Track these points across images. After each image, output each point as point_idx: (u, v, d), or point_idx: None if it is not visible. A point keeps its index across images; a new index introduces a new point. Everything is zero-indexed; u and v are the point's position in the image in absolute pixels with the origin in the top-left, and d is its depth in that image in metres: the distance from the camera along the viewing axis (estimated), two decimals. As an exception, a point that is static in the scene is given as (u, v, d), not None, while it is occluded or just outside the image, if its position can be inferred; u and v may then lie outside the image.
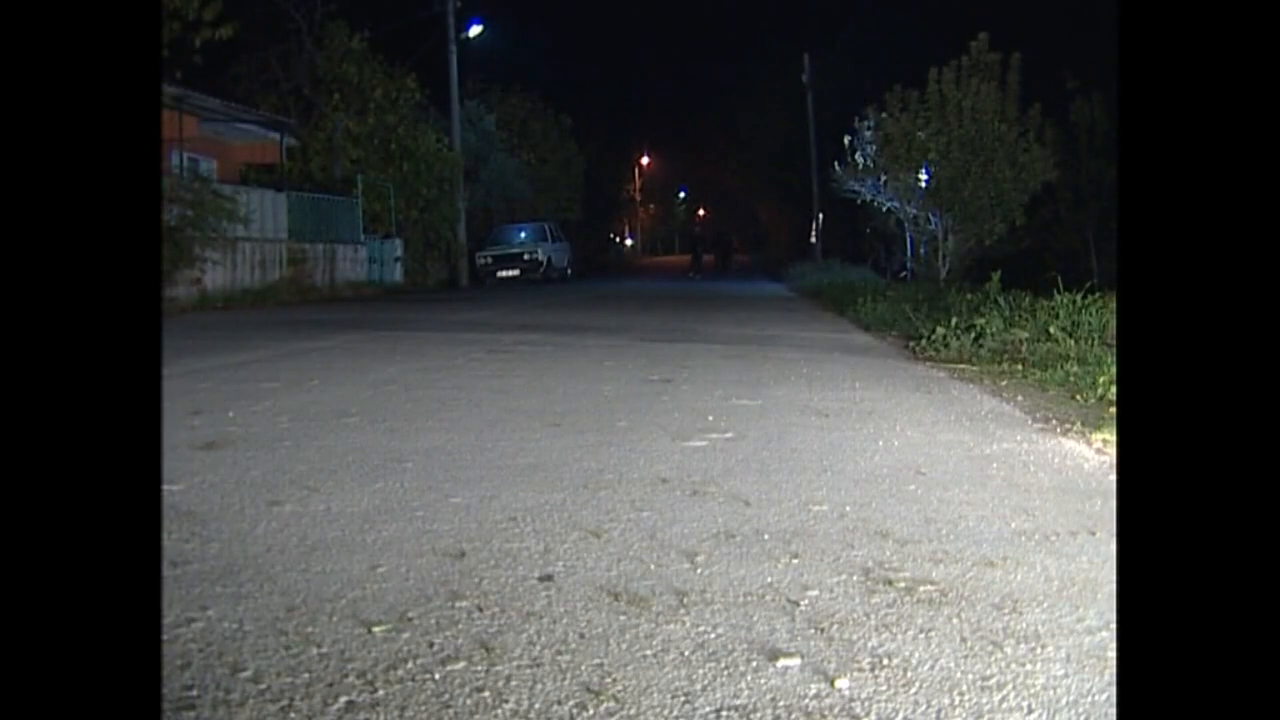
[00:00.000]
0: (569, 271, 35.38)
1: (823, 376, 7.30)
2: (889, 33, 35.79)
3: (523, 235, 33.68)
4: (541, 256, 32.25)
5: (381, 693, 1.99)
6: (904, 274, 24.70)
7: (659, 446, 4.62)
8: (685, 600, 2.53)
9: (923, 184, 20.38)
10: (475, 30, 32.80)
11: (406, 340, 10.26)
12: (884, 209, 22.20)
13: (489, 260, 31.69)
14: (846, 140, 22.77)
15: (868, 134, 21.80)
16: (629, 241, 69.35)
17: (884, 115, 20.58)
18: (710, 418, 5.38)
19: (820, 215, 39.77)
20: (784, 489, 3.79)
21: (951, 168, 19.26)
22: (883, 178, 20.98)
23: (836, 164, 23.21)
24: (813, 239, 40.63)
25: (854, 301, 14.23)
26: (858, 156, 22.11)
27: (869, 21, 39.71)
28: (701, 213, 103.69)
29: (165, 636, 2.27)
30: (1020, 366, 7.66)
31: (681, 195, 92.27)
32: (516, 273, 31.54)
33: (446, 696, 1.98)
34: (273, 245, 21.60)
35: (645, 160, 78.90)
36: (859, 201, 22.94)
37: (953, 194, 19.44)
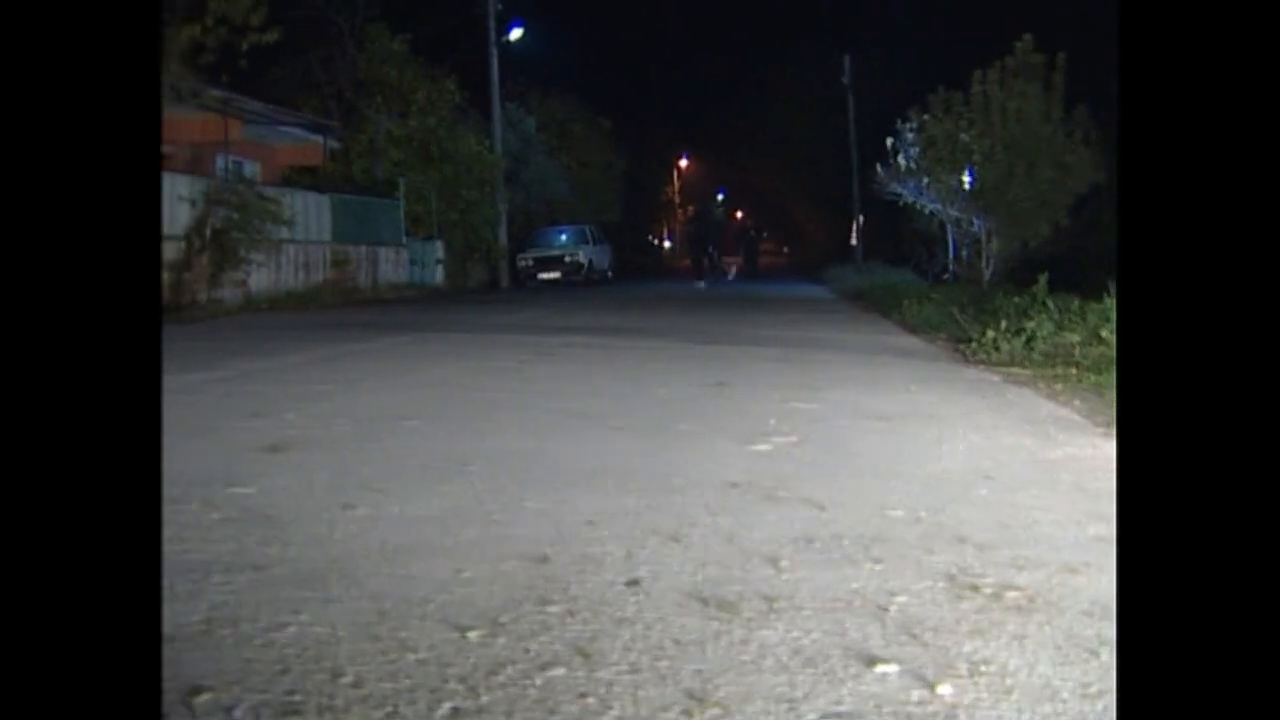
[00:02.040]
0: (609, 274, 35.33)
1: (877, 380, 7.28)
2: (931, 33, 35.62)
3: (563, 238, 33.62)
4: (583, 259, 32.18)
5: (485, 699, 1.99)
6: (946, 276, 24.54)
7: (723, 450, 4.61)
8: (774, 605, 2.52)
9: (966, 186, 20.24)
10: (516, 33, 32.88)
11: (454, 342, 10.29)
12: (926, 211, 22.06)
13: (530, 262, 31.70)
14: (889, 142, 22.64)
15: (910, 136, 21.66)
16: (667, 244, 69.33)
17: (926, 117, 20.44)
18: (771, 421, 5.36)
19: (860, 217, 39.64)
20: (855, 493, 3.77)
21: (995, 170, 19.10)
22: (925, 180, 20.84)
23: (879, 166, 23.07)
24: (852, 241, 40.54)
25: (898, 304, 14.17)
26: (900, 158, 21.97)
27: (910, 22, 39.54)
28: (739, 214, 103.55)
29: (260, 641, 2.28)
30: (1074, 370, 7.59)
31: (720, 197, 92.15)
32: (558, 275, 31.52)
33: (550, 703, 1.97)
34: (316, 247, 21.69)
35: (684, 163, 78.96)
36: (900, 204, 22.80)
37: (996, 196, 19.27)
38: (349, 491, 3.72)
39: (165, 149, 22.67)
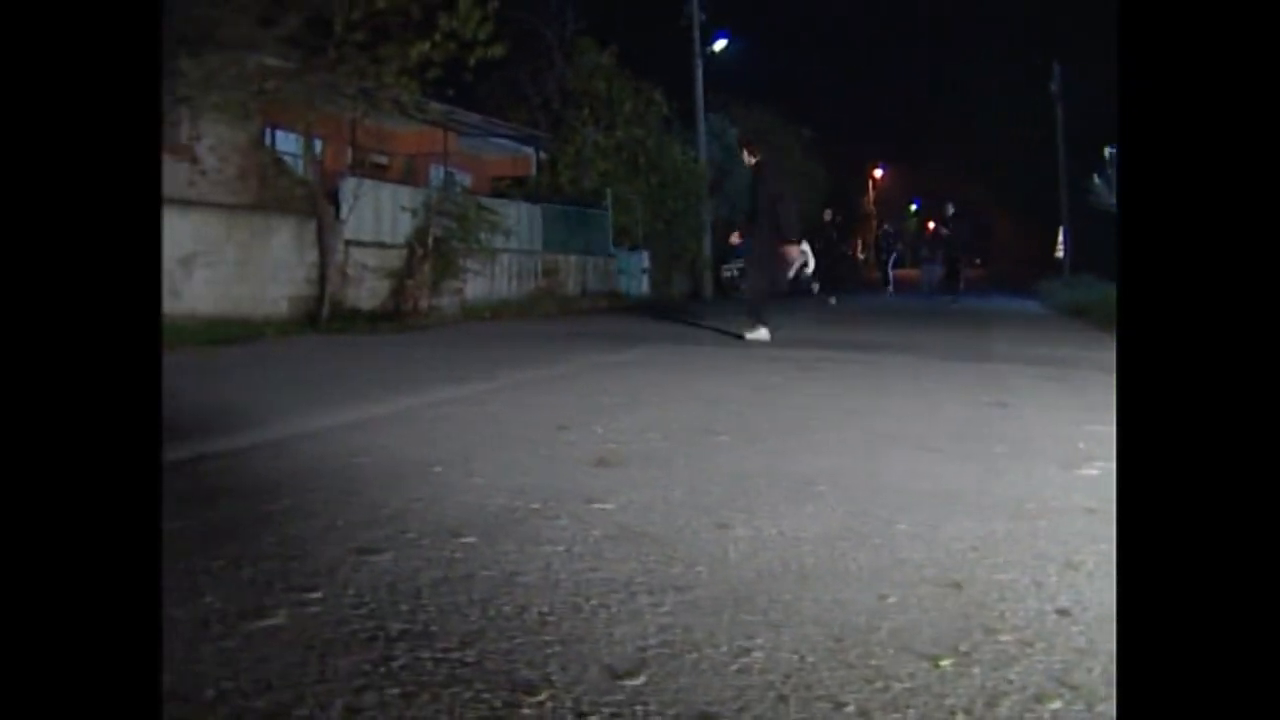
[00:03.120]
0: (814, 286, 35.04)
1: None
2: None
3: (768, 249, 33.37)
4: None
5: (1013, 734, 1.97)
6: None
7: (1054, 474, 4.53)
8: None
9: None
10: (720, 44, 32.91)
11: (700, 355, 10.32)
12: (1146, 223, 21.47)
13: (735, 273, 31.65)
14: (1107, 153, 22.14)
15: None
16: (861, 255, 68.71)
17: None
18: (1081, 445, 5.26)
19: (1067, 229, 38.76)
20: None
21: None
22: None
23: (1096, 177, 22.58)
24: (1057, 253, 39.64)
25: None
26: (1120, 169, 21.44)
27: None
28: (931, 225, 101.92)
29: (735, 667, 2.29)
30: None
31: (914, 208, 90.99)
32: (763, 286, 31.40)
33: (1079, 740, 1.95)
34: (528, 256, 21.99)
35: (879, 173, 78.30)
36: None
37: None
38: (713, 510, 3.74)
39: (380, 159, 23.24)
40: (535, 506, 3.73)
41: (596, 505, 3.78)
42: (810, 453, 4.93)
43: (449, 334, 13.07)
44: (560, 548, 3.20)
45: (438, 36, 14.89)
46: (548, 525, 3.48)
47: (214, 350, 10.15)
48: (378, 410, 6.06)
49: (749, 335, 12.24)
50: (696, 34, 30.92)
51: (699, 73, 30.90)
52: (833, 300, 22.26)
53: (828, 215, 25.15)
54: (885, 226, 36.61)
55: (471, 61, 15.55)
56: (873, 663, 2.31)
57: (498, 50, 15.83)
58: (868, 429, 5.68)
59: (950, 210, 23.63)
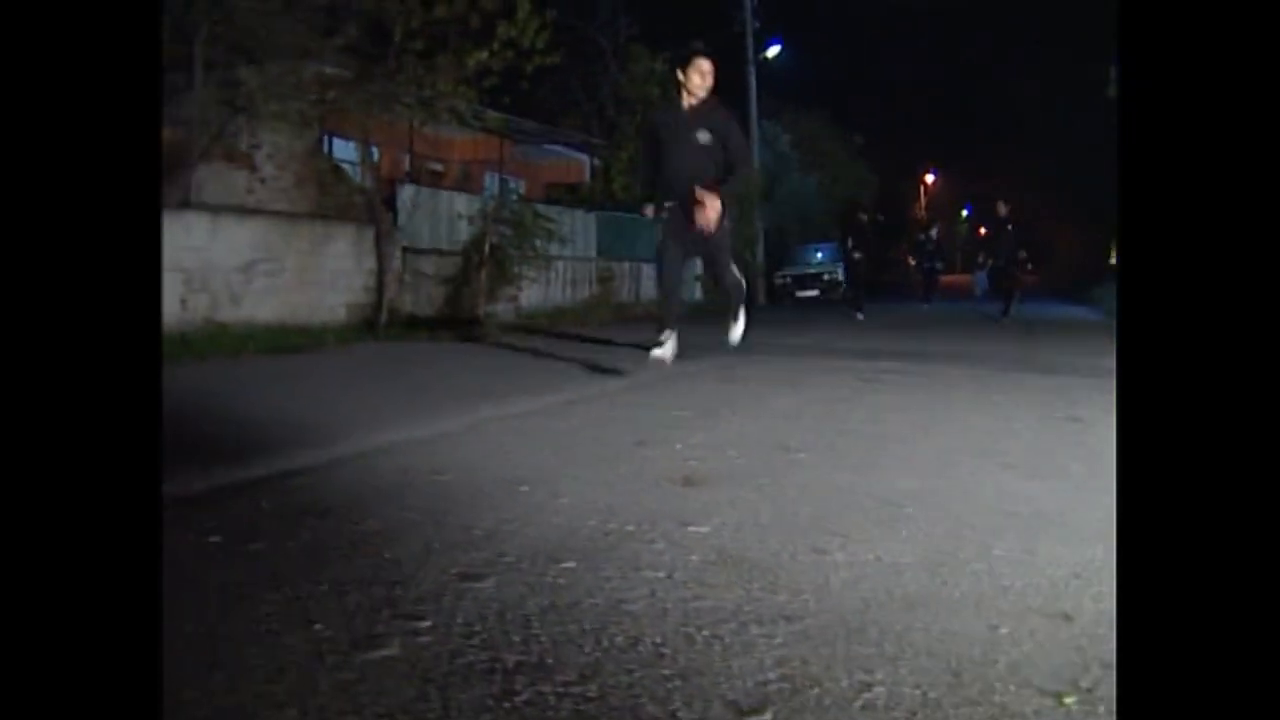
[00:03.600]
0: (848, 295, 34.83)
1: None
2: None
3: (820, 255, 33.36)
4: (840, 276, 31.78)
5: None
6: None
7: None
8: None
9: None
10: (773, 51, 32.90)
11: (767, 366, 10.36)
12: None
13: (788, 280, 31.71)
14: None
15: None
16: (911, 260, 68.48)
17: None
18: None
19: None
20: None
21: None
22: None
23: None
24: (1113, 259, 39.33)
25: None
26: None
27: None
28: (982, 231, 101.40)
29: (860, 703, 2.28)
30: None
31: (965, 214, 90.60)
32: (816, 293, 31.37)
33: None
34: (583, 263, 22.05)
35: (930, 178, 78.02)
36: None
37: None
38: (806, 533, 3.72)
39: (436, 166, 23.32)
40: (630, 529, 3.73)
41: (691, 528, 3.76)
42: (890, 471, 4.90)
43: (508, 342, 13.09)
44: (661, 573, 3.20)
45: (495, 45, 14.95)
46: (645, 549, 3.47)
47: (278, 359, 10.23)
48: (452, 424, 6.07)
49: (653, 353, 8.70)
50: (750, 40, 30.95)
51: (752, 79, 30.93)
52: (859, 316, 21.49)
53: (863, 216, 23.41)
54: (920, 235, 35.65)
55: (529, 69, 15.61)
56: (996, 699, 2.29)
57: (554, 58, 15.89)
58: (941, 445, 5.65)
59: (1003, 210, 22.20)
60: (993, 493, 4.46)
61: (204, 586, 2.97)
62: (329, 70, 14.91)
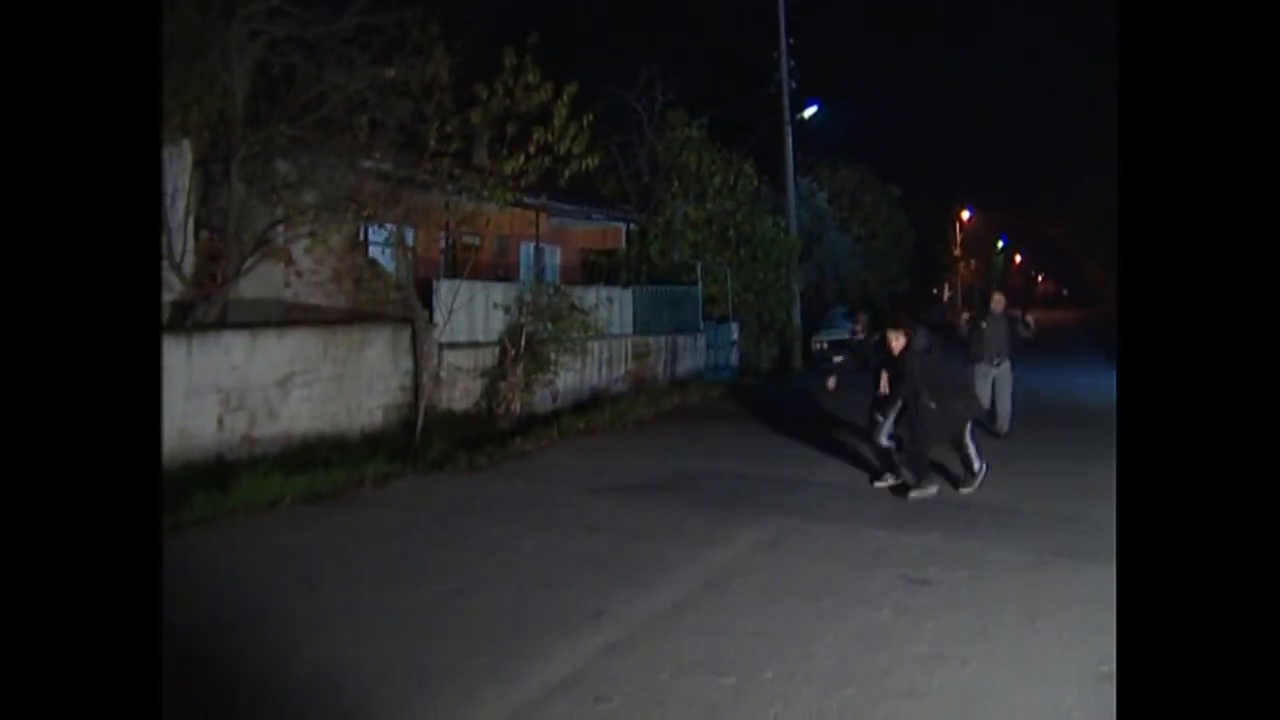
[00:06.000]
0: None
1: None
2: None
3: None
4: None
5: None
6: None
7: None
8: None
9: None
10: (810, 111, 32.81)
11: (835, 536, 10.00)
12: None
13: (824, 345, 31.60)
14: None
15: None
16: (946, 298, 68.24)
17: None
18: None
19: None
20: None
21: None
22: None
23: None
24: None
25: None
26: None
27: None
28: (1018, 258, 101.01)
29: None
30: None
31: (1000, 245, 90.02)
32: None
33: None
34: (618, 341, 21.93)
35: (965, 215, 77.44)
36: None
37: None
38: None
39: (471, 239, 23.36)
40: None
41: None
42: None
43: (551, 469, 12.75)
44: None
45: (532, 148, 14.93)
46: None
47: (304, 516, 9.94)
48: (544, 674, 5.53)
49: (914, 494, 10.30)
50: (787, 102, 30.85)
51: (789, 140, 30.82)
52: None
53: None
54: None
55: (566, 174, 15.58)
56: None
57: (592, 161, 15.83)
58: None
59: (998, 303, 15.68)
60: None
61: None
62: (366, 164, 14.90)
